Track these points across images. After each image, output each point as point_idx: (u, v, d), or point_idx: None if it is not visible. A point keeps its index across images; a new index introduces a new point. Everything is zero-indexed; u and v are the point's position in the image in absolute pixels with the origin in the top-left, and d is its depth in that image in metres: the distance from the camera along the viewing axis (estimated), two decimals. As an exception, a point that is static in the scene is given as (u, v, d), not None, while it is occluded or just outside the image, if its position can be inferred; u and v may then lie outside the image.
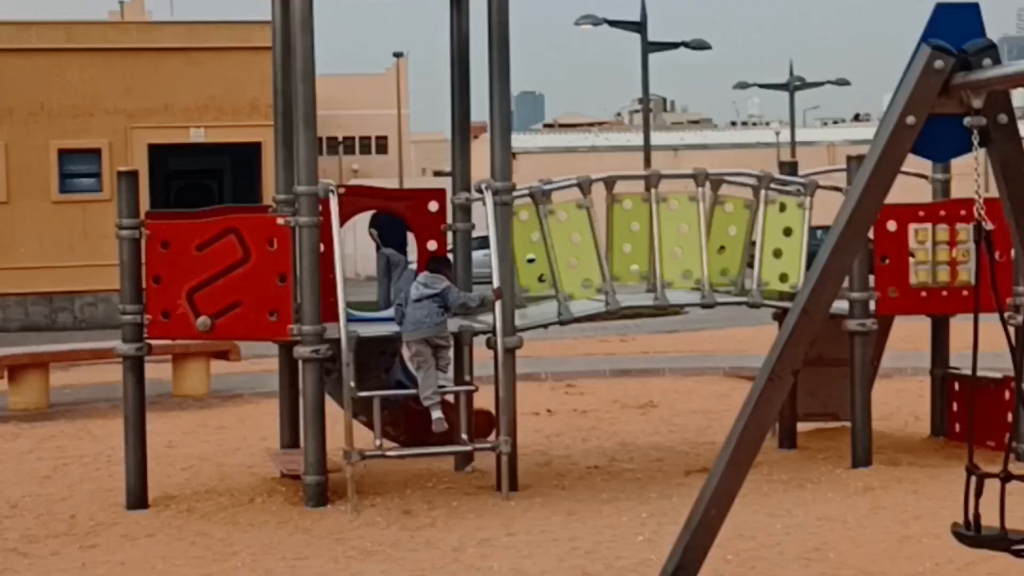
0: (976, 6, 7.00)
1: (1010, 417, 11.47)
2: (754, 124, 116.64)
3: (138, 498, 10.57)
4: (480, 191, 10.67)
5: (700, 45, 31.34)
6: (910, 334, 15.82)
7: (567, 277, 10.94)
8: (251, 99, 27.42)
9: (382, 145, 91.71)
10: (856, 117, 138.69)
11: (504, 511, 10.10)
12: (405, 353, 11.07)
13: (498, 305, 10.48)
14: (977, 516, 6.27)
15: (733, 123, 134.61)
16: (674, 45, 30.83)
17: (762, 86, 48.24)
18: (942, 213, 11.32)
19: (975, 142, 6.77)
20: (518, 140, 66.30)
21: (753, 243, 11.55)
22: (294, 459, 11.11)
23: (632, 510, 9.98)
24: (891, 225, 11.23)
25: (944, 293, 11.35)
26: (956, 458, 11.72)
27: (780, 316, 12.41)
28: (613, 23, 30.62)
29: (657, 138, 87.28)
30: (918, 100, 6.88)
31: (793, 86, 46.48)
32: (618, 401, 15.95)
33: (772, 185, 11.36)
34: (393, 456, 10.52)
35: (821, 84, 47.12)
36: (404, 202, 11.72)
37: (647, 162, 30.72)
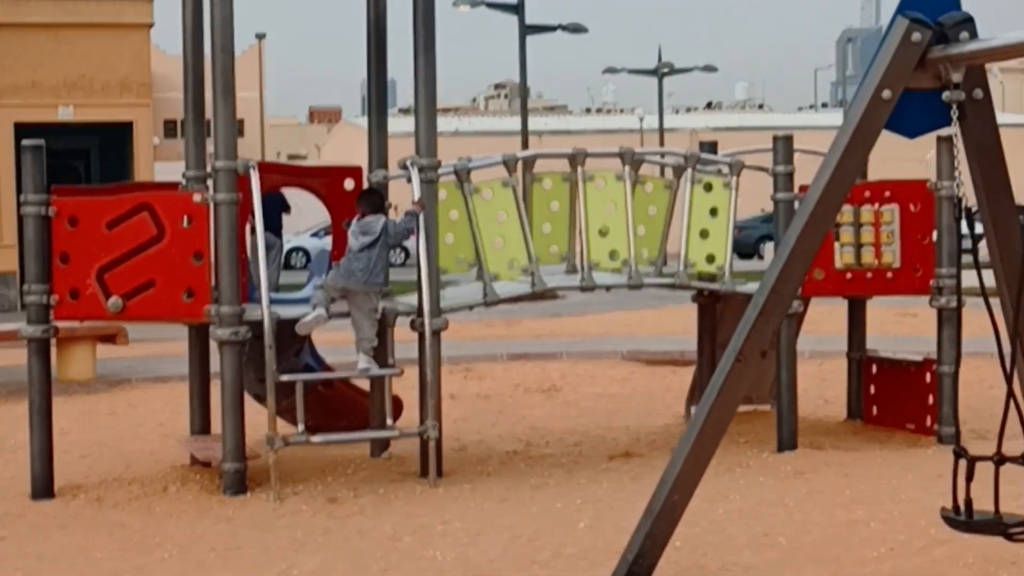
0: (951, -23, 6.82)
1: (931, 400, 11.45)
2: (608, 111, 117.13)
3: (44, 487, 10.07)
4: (405, 168, 10.32)
5: (576, 28, 31.14)
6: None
7: (493, 257, 10.65)
8: (122, 77, 26.64)
9: (239, 128, 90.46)
10: (709, 105, 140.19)
11: (433, 498, 9.79)
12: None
13: (424, 286, 10.16)
14: (969, 500, 6.11)
15: (588, 110, 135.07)
16: (551, 28, 30.64)
17: (631, 71, 48.22)
18: (866, 194, 11.22)
19: (954, 117, 6.61)
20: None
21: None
22: (209, 445, 10.69)
23: (564, 496, 9.73)
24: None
25: (869, 275, 11.26)
26: (877, 441, 11.70)
27: (701, 298, 12.27)
28: (491, 5, 30.35)
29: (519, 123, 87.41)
30: (894, 73, 6.70)
31: (661, 72, 46.63)
32: (520, 385, 15.72)
33: (698, 165, 11.16)
34: (318, 443, 10.13)
35: (689, 70, 47.33)
36: (318, 179, 11.33)
37: (524, 145, 30.49)
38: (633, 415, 13.58)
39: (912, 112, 6.94)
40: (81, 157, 30.09)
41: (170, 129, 73.52)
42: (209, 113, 10.46)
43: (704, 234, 11.13)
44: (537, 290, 10.68)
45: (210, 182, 10.54)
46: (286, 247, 16.61)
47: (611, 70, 47.32)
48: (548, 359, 17.80)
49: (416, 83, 10.40)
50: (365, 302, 10.18)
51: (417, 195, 10.15)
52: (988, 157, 6.99)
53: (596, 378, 16.23)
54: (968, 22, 6.66)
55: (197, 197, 9.99)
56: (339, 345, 15.51)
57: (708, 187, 11.18)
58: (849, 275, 11.21)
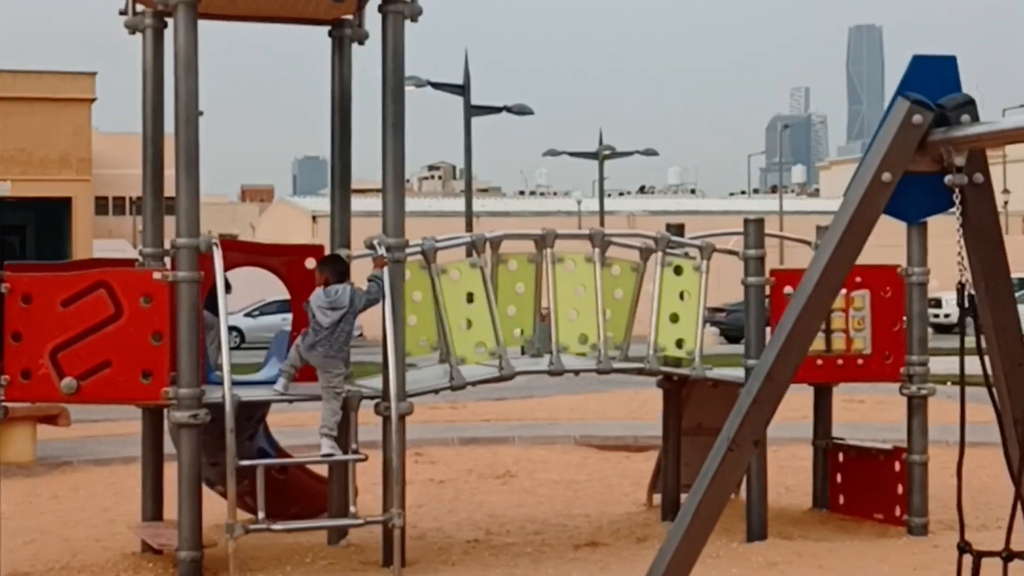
0: (954, 59, 6.68)
1: (900, 489, 11.25)
2: (542, 194, 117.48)
3: (-10, 576, 9.65)
4: (372, 247, 10.05)
5: (522, 110, 31.07)
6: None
7: (459, 340, 10.38)
8: (62, 152, 26.27)
9: (169, 206, 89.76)
10: (642, 189, 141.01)
11: (398, 589, 9.45)
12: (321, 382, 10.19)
13: (391, 369, 9.88)
14: (978, 599, 5.86)
15: (521, 192, 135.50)
16: (496, 109, 30.55)
17: (572, 154, 48.19)
18: (858, 279, 11.05)
19: (957, 201, 6.44)
20: (314, 203, 65.44)
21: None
22: (162, 532, 10.29)
23: (534, 587, 9.43)
24: (788, 290, 10.93)
25: (840, 361, 11.08)
26: (846, 531, 11.47)
27: (666, 383, 12.04)
28: (437, 85, 30.23)
29: (456, 204, 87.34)
30: (894, 156, 6.51)
31: (603, 155, 46.69)
32: (473, 470, 15.39)
33: (668, 247, 10.97)
34: (280, 530, 9.77)
35: (630, 154, 47.47)
36: (279, 258, 11.07)
37: (468, 227, 30.32)
38: (592, 502, 13.28)
39: (911, 196, 6.75)
40: (16, 233, 29.59)
41: (102, 206, 72.90)
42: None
43: (674, 318, 10.93)
44: (505, 375, 10.40)
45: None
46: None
47: (552, 152, 47.28)
48: (500, 443, 17.49)
49: (384, 160, 10.17)
50: (327, 379, 9.89)
51: (386, 277, 9.86)
52: (987, 242, 6.80)
53: (550, 463, 15.92)
54: (970, 104, 6.50)
55: (157, 275, 9.68)
56: (292, 427, 15.18)
57: (678, 270, 11.00)
58: (820, 361, 11.03)
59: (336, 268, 10.09)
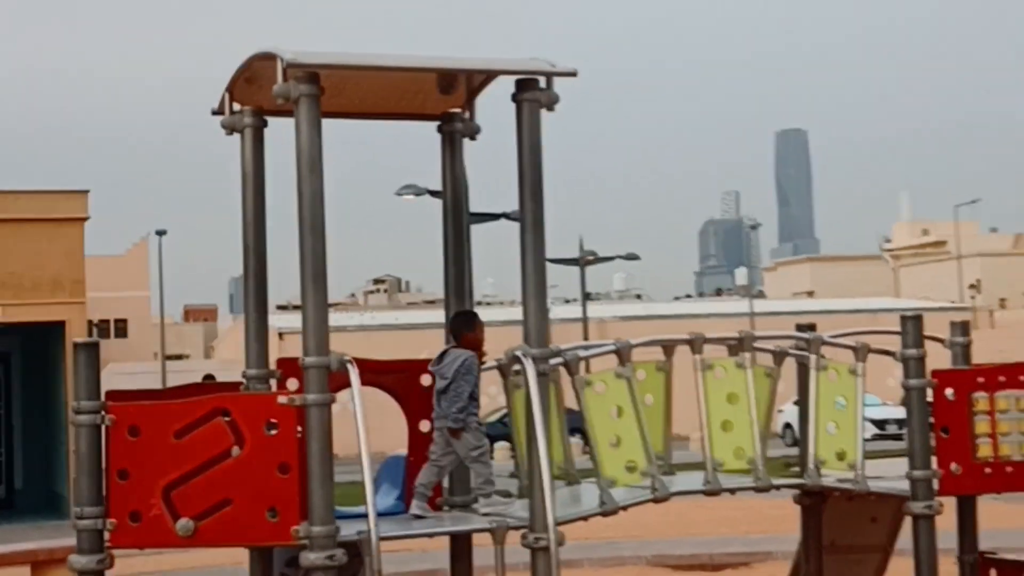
0: None
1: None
2: (488, 303, 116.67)
3: None
4: (516, 359, 9.06)
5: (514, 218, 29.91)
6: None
7: (608, 459, 9.38)
8: (53, 274, 25.08)
9: (121, 328, 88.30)
10: (588, 296, 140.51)
11: None
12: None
13: (542, 493, 8.86)
14: None
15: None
16: (495, 216, 29.67)
17: (553, 261, 47.21)
18: (1002, 379, 10.17)
19: None
20: (278, 320, 64.12)
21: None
22: None
23: None
24: (949, 392, 10.03)
25: (1009, 468, 10.14)
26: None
27: (805, 498, 11.06)
28: (435, 193, 29.25)
29: (407, 317, 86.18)
30: None
31: (584, 260, 45.96)
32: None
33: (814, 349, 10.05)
34: None
35: (612, 259, 46.82)
36: (393, 375, 10.04)
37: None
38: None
39: None
40: (1, 361, 28.20)
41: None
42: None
43: (833, 426, 9.98)
44: (659, 496, 9.40)
45: (290, 383, 9.30)
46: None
47: None
48: (569, 567, 16.36)
49: (524, 263, 9.20)
50: (460, 445, 9.40)
51: (533, 388, 8.85)
52: None
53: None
54: None
55: (282, 399, 8.63)
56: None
57: (834, 374, 10.06)
58: (988, 469, 10.09)
59: (453, 328, 9.77)
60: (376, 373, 10.04)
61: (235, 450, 8.68)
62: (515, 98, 9.18)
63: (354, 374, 8.63)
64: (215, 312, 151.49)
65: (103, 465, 8.64)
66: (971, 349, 10.97)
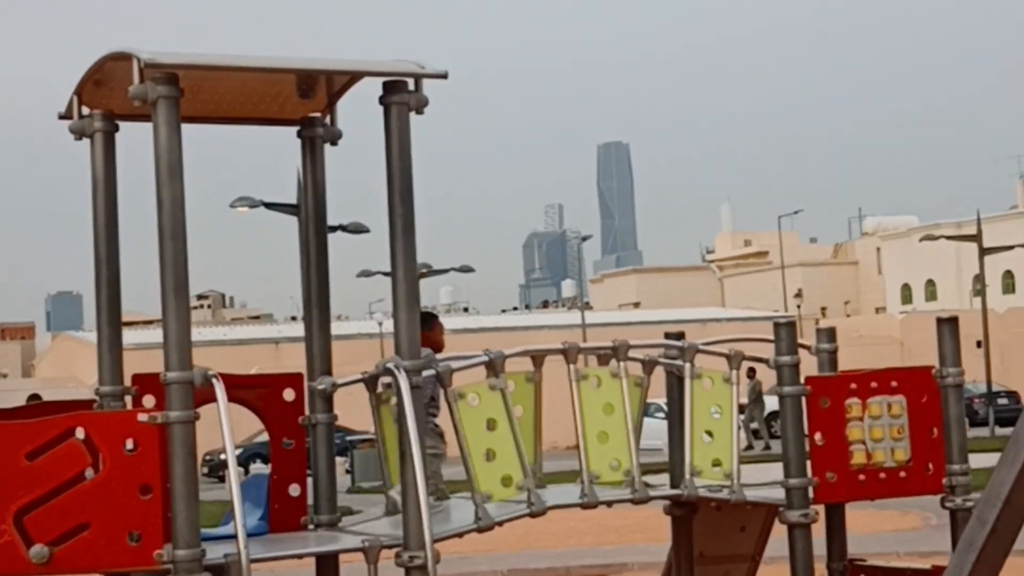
0: None
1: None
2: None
3: None
4: (389, 371, 8.71)
5: (358, 228, 29.76)
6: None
7: (482, 473, 9.08)
8: None
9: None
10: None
11: None
12: None
13: (413, 512, 8.54)
14: None
15: (293, 318, 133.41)
16: (331, 228, 29.11)
17: (386, 274, 46.58)
18: (874, 384, 10.09)
19: None
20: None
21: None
22: None
23: None
24: (823, 400, 9.93)
25: (882, 475, 10.06)
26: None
27: (675, 509, 10.88)
28: (271, 205, 28.80)
29: (234, 332, 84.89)
30: None
31: (419, 273, 45.45)
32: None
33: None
34: None
35: (446, 271, 46.53)
36: (254, 390, 9.62)
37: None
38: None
39: None
40: None
41: None
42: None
43: (707, 435, 9.80)
44: (536, 511, 9.13)
45: (146, 400, 8.86)
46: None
47: (366, 273, 45.70)
48: None
49: (394, 271, 8.94)
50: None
51: (407, 401, 8.53)
52: None
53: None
54: None
55: (143, 416, 8.16)
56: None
57: (708, 382, 9.89)
58: (862, 476, 10.00)
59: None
60: (237, 388, 9.60)
61: (89, 472, 8.20)
62: (382, 101, 8.85)
63: (220, 389, 8.20)
64: (32, 329, 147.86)
65: (-51, 490, 8.08)
66: (838, 355, 10.92)
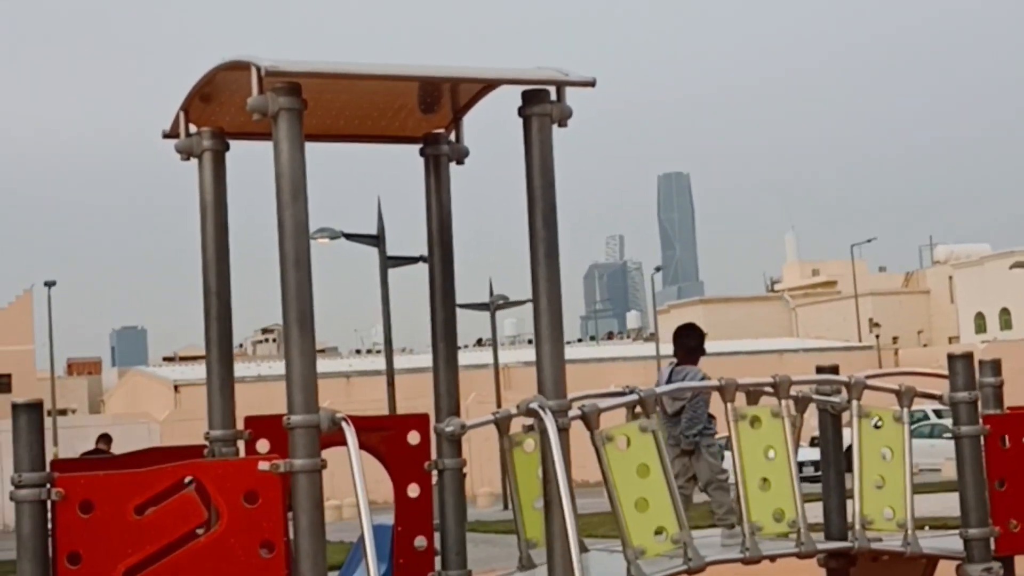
0: None
1: None
2: (378, 352, 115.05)
3: None
4: (533, 411, 7.81)
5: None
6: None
7: (635, 525, 8.15)
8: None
9: (5, 383, 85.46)
10: (479, 342, 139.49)
11: None
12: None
13: (558, 569, 7.65)
14: None
15: (358, 351, 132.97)
16: (413, 260, 28.34)
17: (462, 306, 45.58)
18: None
19: None
20: (173, 372, 62.22)
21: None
22: None
23: None
24: (1004, 440, 8.96)
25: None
26: None
27: (834, 562, 9.90)
28: (350, 236, 28.07)
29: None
30: None
31: (495, 305, 44.68)
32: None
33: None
34: None
35: (522, 303, 45.48)
36: (376, 433, 8.74)
37: (390, 384, 27.91)
38: None
39: None
40: None
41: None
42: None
43: (879, 483, 8.83)
44: (693, 567, 8.19)
45: (260, 444, 8.01)
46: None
47: (501, 305, 44.44)
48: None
49: (536, 299, 8.04)
50: (701, 469, 9.47)
51: (554, 446, 7.63)
52: None
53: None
54: None
55: (264, 465, 7.31)
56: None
57: (878, 422, 8.93)
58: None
59: (682, 343, 9.83)
60: (358, 431, 8.75)
61: (200, 530, 7.38)
62: (522, 112, 8.00)
63: (351, 433, 7.35)
64: (99, 365, 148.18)
65: (50, 548, 7.25)
66: (1003, 390, 9.90)
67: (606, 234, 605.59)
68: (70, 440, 45.93)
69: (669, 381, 9.67)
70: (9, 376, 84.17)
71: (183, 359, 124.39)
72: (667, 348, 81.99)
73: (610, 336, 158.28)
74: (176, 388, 54.43)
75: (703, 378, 9.57)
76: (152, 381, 64.92)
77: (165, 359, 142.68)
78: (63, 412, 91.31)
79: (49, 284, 54.54)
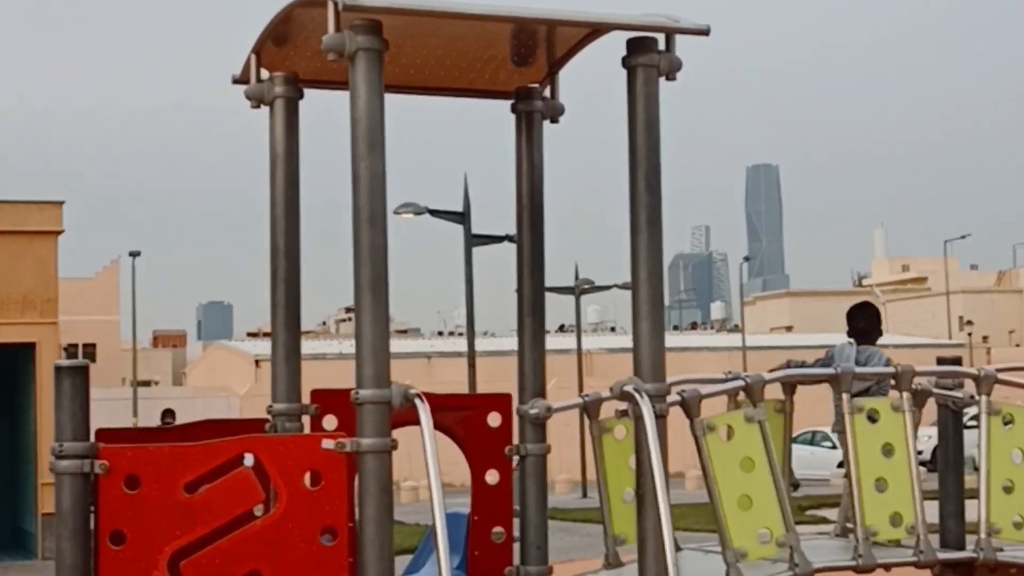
0: None
1: None
2: (460, 334, 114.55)
3: None
4: (627, 395, 7.03)
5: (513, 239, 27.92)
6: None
7: (737, 525, 7.36)
8: (24, 292, 22.87)
9: (89, 353, 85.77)
10: (561, 328, 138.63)
11: None
12: None
13: (649, 568, 6.89)
14: None
15: (440, 333, 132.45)
16: (499, 239, 27.59)
17: (548, 290, 44.38)
18: None
19: None
20: (255, 346, 62.04)
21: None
22: None
23: None
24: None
25: None
26: None
27: (950, 572, 9.03)
28: (435, 212, 27.38)
29: (395, 345, 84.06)
30: None
31: (580, 289, 43.89)
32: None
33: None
34: None
35: (608, 288, 44.75)
36: (454, 413, 8.00)
37: (471, 367, 27.24)
38: None
39: None
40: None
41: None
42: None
43: (1008, 488, 7.98)
44: (800, 574, 7.37)
45: (327, 421, 7.30)
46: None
47: (587, 289, 43.62)
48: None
49: (635, 273, 7.26)
50: None
51: (651, 434, 6.85)
52: None
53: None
54: None
55: (328, 443, 6.58)
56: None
57: (1008, 419, 8.07)
58: None
59: (853, 325, 10.14)
60: (433, 410, 8.02)
61: (259, 509, 6.69)
62: (626, 63, 7.22)
63: (424, 411, 6.60)
64: (184, 338, 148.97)
65: (91, 526, 6.58)
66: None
67: (692, 224, 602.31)
68: (150, 411, 45.79)
69: (857, 361, 9.89)
70: (94, 346, 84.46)
71: (267, 335, 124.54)
72: (752, 339, 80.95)
73: (693, 326, 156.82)
74: (257, 363, 54.09)
75: (887, 362, 9.11)
76: (234, 355, 64.75)
77: (249, 334, 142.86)
78: (146, 383, 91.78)
79: (134, 255, 54.40)
